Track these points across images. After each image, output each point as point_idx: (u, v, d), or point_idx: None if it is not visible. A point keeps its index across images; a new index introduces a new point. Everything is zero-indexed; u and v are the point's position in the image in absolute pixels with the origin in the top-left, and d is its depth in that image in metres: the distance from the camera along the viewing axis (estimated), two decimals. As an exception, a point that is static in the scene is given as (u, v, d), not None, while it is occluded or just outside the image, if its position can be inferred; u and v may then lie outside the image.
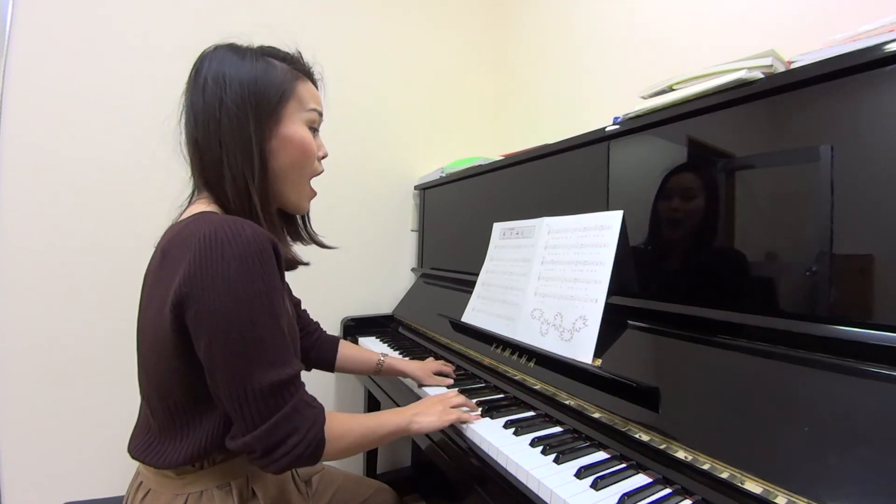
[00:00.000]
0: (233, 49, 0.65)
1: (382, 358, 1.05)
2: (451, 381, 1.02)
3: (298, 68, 0.67)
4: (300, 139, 0.65)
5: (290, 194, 0.68)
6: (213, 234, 0.53)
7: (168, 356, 0.56)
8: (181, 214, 0.66)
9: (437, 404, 0.79)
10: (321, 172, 0.72)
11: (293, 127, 0.65)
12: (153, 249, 0.63)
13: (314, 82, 0.71)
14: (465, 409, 0.82)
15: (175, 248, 0.56)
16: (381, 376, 1.10)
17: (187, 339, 0.54)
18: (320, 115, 0.70)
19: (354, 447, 0.65)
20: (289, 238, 0.75)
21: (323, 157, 0.72)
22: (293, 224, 0.77)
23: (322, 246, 0.80)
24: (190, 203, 0.68)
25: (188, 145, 0.64)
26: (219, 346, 0.52)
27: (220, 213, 0.62)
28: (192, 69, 0.64)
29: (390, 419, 0.72)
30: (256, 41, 0.69)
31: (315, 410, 0.59)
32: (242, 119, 0.60)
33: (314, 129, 0.69)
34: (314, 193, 0.73)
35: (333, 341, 1.02)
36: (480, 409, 0.84)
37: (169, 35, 1.35)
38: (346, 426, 0.64)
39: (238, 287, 0.52)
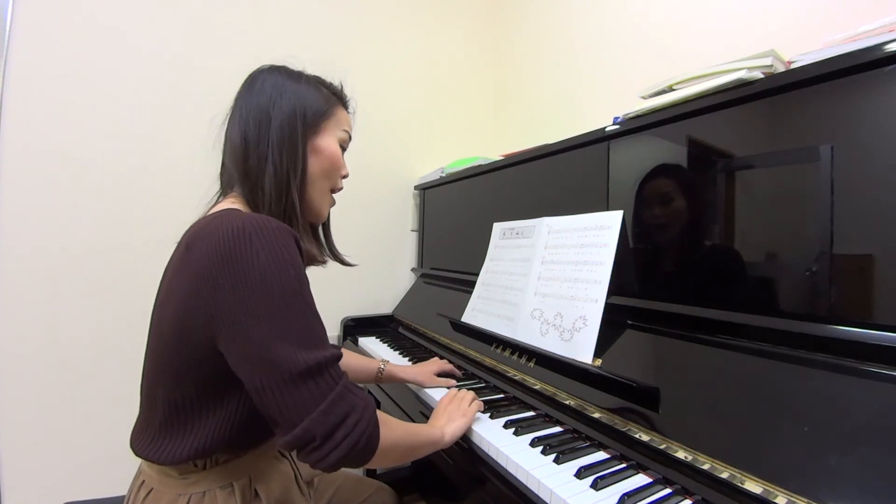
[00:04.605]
0: (288, 70, 0.73)
1: (383, 366, 1.04)
2: (454, 382, 1.01)
3: (339, 97, 0.76)
4: (332, 151, 0.72)
5: (314, 198, 0.72)
6: (241, 226, 0.54)
7: (189, 346, 0.56)
8: (208, 211, 0.68)
9: (453, 403, 0.80)
10: (341, 189, 0.78)
11: (329, 139, 0.72)
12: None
13: (348, 111, 0.79)
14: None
15: (200, 241, 0.57)
16: (382, 383, 1.10)
17: (214, 331, 0.54)
18: (350, 137, 0.77)
19: (400, 445, 0.63)
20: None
21: (344, 177, 0.78)
22: (316, 239, 0.79)
23: (343, 263, 0.82)
24: (217, 202, 0.71)
25: (235, 140, 0.68)
26: (257, 335, 0.52)
27: (246, 210, 0.64)
28: (248, 78, 0.72)
29: (424, 429, 0.71)
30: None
31: (364, 392, 0.58)
32: (293, 122, 0.67)
33: (343, 149, 0.76)
34: (333, 202, 0.78)
35: None
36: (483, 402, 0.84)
37: (168, 37, 1.35)
38: (390, 419, 0.64)
39: (269, 274, 0.53)
